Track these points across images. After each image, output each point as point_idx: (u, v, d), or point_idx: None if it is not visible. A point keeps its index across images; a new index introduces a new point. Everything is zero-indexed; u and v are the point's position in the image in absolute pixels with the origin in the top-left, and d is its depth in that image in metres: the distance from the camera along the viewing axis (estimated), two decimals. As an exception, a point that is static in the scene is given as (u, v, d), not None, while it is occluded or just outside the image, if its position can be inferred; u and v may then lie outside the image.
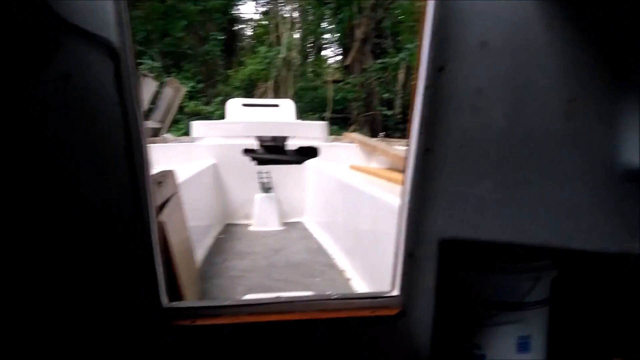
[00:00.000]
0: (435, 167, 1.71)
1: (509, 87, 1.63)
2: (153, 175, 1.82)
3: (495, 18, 1.59)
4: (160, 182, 2.69)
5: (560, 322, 2.06)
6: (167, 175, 2.99)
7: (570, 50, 1.60)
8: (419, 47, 1.66)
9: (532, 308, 1.98)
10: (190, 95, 14.28)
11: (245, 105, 7.19)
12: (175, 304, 1.83)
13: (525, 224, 1.72)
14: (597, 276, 2.13)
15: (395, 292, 1.88)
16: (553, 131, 1.65)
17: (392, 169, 4.79)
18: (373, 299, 1.90)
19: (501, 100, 1.64)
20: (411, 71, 15.35)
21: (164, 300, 1.78)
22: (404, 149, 1.83)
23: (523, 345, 1.99)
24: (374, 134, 12.75)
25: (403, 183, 1.83)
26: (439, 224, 1.75)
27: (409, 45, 13.96)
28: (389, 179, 4.06)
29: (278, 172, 6.19)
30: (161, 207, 2.57)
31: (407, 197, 1.78)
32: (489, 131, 1.66)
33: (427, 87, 1.64)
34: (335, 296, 1.92)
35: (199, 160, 5.80)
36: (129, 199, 1.65)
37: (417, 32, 1.69)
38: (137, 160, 1.64)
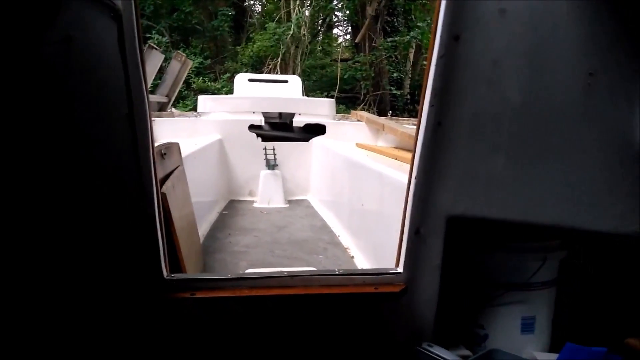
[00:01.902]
0: (445, 142, 1.65)
1: (526, 59, 1.56)
2: (157, 146, 1.78)
3: None
4: (164, 154, 2.66)
5: (570, 303, 2.03)
6: (171, 147, 2.95)
7: (591, 22, 1.53)
8: (435, 14, 1.58)
9: (538, 289, 1.95)
10: (198, 72, 14.15)
11: (252, 80, 7.10)
12: (176, 276, 1.81)
13: (537, 202, 1.67)
14: (610, 257, 2.08)
15: (400, 269, 1.85)
16: (570, 106, 1.58)
17: (400, 147, 4.72)
18: (376, 275, 1.87)
19: (518, 72, 1.57)
20: (422, 50, 15.08)
21: (164, 271, 1.76)
22: (413, 128, 1.77)
23: (527, 326, 1.97)
24: (381, 114, 12.60)
25: (412, 157, 1.77)
26: (447, 200, 1.70)
27: (420, 24, 13.69)
28: (396, 157, 4.00)
29: (284, 149, 6.14)
30: (164, 179, 2.53)
31: (415, 172, 1.73)
32: (503, 105, 1.60)
33: (441, 57, 1.57)
34: (338, 272, 1.89)
35: (204, 135, 5.75)
36: (131, 167, 1.61)
37: (429, 10, 1.62)
38: (139, 129, 1.60)
